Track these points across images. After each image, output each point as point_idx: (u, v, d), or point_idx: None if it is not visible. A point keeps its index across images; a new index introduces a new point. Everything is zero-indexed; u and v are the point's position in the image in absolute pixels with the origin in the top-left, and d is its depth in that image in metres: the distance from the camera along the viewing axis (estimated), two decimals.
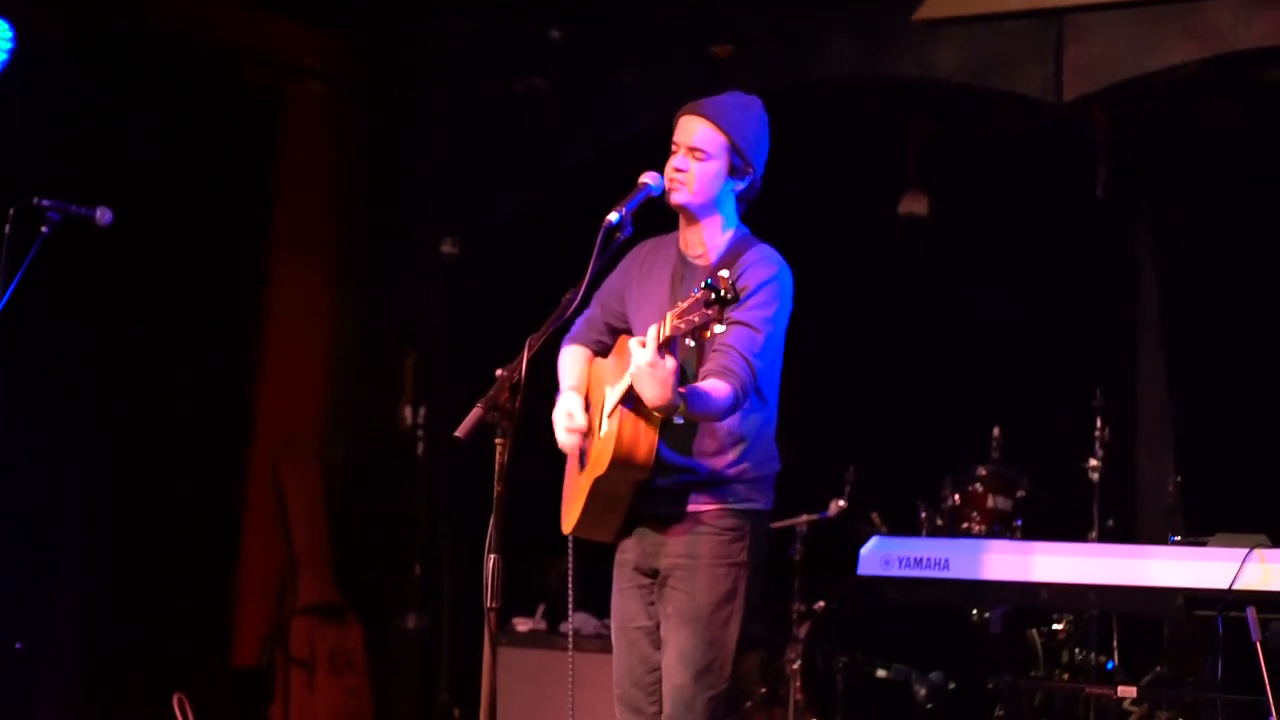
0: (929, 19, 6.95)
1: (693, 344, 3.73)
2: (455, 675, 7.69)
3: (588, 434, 4.19)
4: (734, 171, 4.18)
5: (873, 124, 7.81)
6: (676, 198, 4.16)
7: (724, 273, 3.61)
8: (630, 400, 3.91)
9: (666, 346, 3.74)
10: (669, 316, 3.72)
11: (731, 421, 4.05)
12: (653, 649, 4.18)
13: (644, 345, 3.77)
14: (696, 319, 3.62)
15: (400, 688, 7.90)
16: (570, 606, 4.40)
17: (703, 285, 3.59)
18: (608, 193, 4.13)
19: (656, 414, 3.91)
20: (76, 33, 6.83)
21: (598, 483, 4.04)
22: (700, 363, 4.04)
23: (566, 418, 4.19)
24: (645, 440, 3.96)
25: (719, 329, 3.63)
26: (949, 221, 7.85)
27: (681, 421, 3.96)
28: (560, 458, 4.41)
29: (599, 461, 4.04)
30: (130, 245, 6.23)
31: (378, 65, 8.21)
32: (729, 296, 3.57)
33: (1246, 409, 7.20)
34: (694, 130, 4.16)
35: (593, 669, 5.51)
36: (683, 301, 3.69)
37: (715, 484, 4.10)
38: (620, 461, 3.96)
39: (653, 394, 3.78)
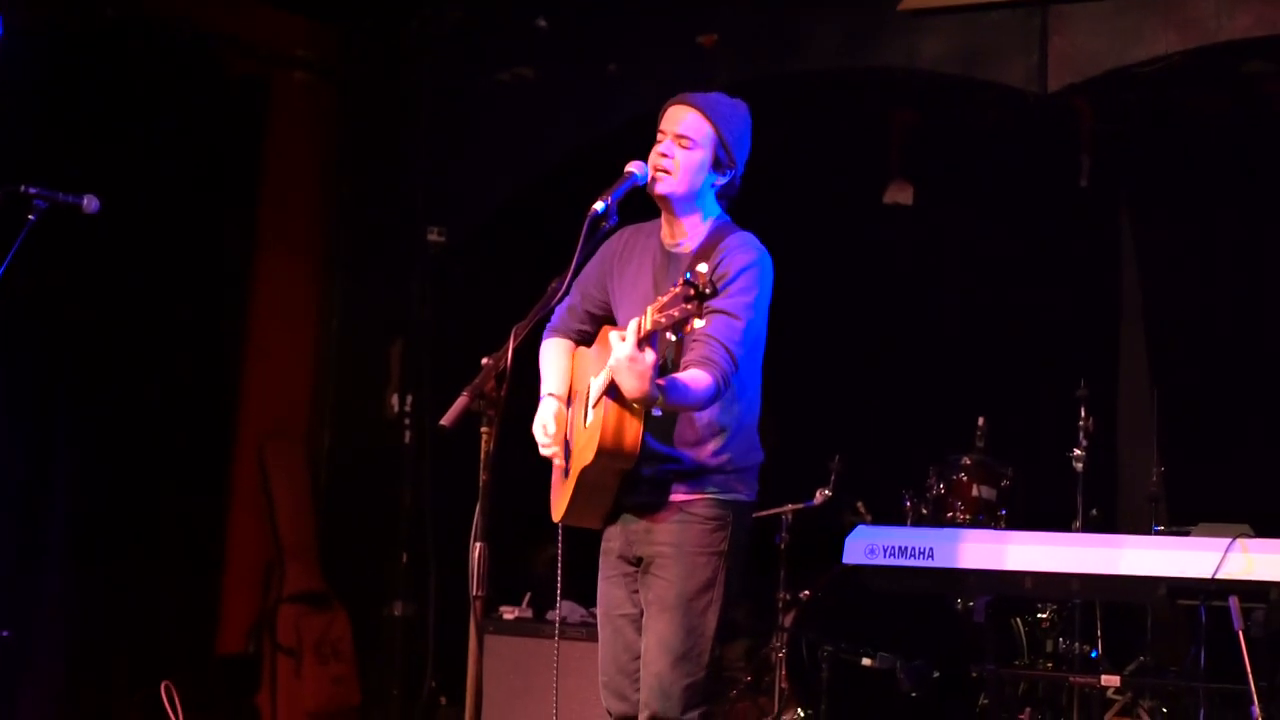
0: (914, 9, 6.96)
1: (674, 338, 3.74)
2: (442, 663, 7.69)
3: (575, 415, 4.21)
4: (717, 165, 4.20)
5: (858, 114, 7.83)
6: (660, 188, 4.17)
7: (702, 267, 3.62)
8: (614, 391, 3.93)
9: (646, 340, 3.75)
10: (649, 311, 3.73)
11: (712, 412, 4.07)
12: (637, 636, 4.20)
13: (624, 339, 3.79)
14: (676, 314, 3.62)
15: (387, 675, 7.90)
16: (559, 594, 4.42)
17: (682, 280, 3.60)
18: (594, 182, 4.14)
19: (636, 405, 3.93)
20: (63, 20, 6.81)
21: (584, 472, 4.06)
22: (682, 352, 4.05)
23: (541, 431, 4.23)
24: (630, 430, 3.98)
25: (699, 323, 3.64)
26: (933, 211, 7.88)
27: (660, 413, 3.99)
28: None
29: (585, 451, 4.06)
30: (116, 233, 6.22)
31: (364, 54, 8.20)
32: (707, 291, 3.58)
33: (1229, 399, 7.23)
34: (682, 118, 4.18)
35: (578, 657, 5.53)
36: (663, 296, 3.70)
37: (699, 474, 4.11)
38: (606, 451, 3.98)
39: (631, 386, 3.80)
